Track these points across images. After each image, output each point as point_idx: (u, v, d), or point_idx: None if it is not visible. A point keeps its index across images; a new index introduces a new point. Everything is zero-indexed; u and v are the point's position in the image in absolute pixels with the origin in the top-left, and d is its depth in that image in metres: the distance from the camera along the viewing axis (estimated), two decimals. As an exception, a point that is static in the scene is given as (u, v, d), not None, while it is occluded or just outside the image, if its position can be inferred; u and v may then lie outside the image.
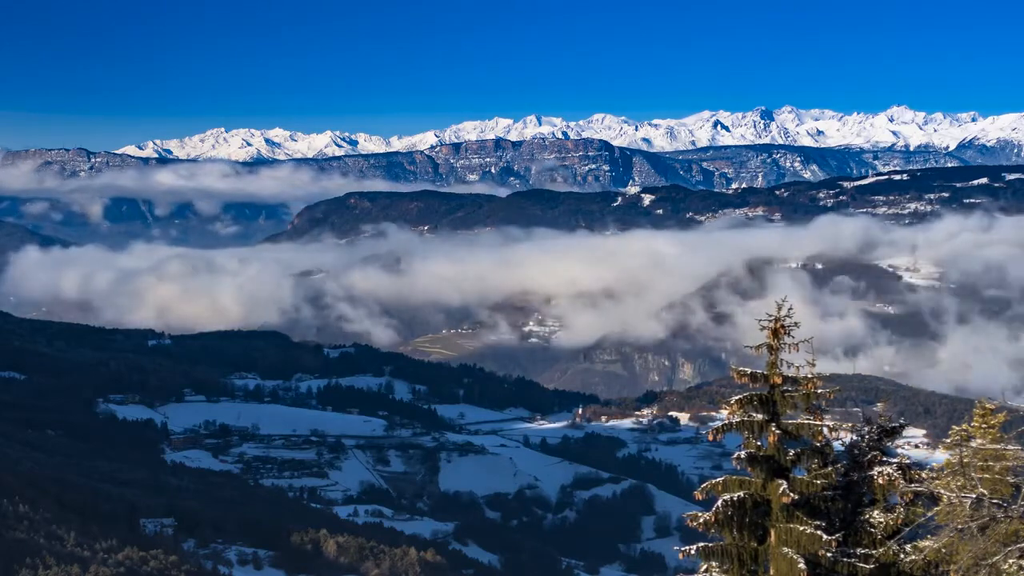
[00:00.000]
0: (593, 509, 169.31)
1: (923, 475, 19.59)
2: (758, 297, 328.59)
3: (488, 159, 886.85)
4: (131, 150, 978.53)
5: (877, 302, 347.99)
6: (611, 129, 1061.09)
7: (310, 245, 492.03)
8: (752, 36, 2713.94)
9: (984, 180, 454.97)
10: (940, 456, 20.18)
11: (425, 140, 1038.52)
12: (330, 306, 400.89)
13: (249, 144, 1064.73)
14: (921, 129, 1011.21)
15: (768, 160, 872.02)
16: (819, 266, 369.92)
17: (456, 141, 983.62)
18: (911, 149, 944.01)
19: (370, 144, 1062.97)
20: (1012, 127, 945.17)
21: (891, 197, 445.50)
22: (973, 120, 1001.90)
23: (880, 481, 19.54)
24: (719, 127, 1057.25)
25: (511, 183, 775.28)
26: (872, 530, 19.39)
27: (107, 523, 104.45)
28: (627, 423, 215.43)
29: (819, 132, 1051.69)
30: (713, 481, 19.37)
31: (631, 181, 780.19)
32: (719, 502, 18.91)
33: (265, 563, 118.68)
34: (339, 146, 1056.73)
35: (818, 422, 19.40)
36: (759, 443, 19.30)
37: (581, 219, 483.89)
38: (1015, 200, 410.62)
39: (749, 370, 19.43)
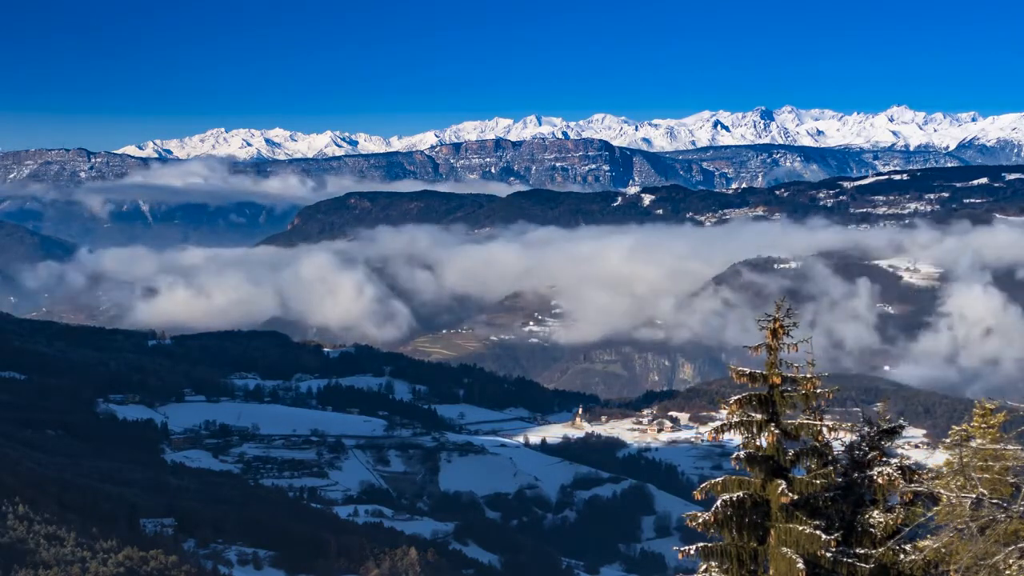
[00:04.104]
0: (593, 509, 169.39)
1: (923, 475, 19.57)
2: (758, 297, 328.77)
3: (488, 159, 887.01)
4: (131, 150, 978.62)
5: (877, 302, 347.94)
6: (611, 129, 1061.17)
7: (310, 245, 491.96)
8: (752, 36, 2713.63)
9: (984, 180, 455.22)
10: (940, 456, 20.14)
11: (425, 140, 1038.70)
12: (331, 306, 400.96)
13: (249, 144, 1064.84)
14: (921, 129, 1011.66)
15: (768, 160, 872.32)
16: (819, 266, 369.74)
17: (456, 141, 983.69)
18: (911, 149, 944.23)
19: (370, 144, 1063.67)
20: (1012, 127, 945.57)
21: (891, 197, 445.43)
22: (973, 120, 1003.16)
23: (880, 481, 19.52)
24: (719, 127, 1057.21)
25: (511, 183, 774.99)
26: (872, 530, 19.37)
27: (107, 523, 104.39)
28: (627, 423, 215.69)
29: (819, 132, 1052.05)
30: (712, 481, 19.35)
31: (631, 181, 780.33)
32: (718, 502, 18.89)
33: (265, 563, 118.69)
34: (339, 146, 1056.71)
35: (817, 422, 19.39)
36: (758, 443, 19.28)
37: (581, 219, 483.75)
38: (1015, 200, 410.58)
39: (748, 370, 19.40)
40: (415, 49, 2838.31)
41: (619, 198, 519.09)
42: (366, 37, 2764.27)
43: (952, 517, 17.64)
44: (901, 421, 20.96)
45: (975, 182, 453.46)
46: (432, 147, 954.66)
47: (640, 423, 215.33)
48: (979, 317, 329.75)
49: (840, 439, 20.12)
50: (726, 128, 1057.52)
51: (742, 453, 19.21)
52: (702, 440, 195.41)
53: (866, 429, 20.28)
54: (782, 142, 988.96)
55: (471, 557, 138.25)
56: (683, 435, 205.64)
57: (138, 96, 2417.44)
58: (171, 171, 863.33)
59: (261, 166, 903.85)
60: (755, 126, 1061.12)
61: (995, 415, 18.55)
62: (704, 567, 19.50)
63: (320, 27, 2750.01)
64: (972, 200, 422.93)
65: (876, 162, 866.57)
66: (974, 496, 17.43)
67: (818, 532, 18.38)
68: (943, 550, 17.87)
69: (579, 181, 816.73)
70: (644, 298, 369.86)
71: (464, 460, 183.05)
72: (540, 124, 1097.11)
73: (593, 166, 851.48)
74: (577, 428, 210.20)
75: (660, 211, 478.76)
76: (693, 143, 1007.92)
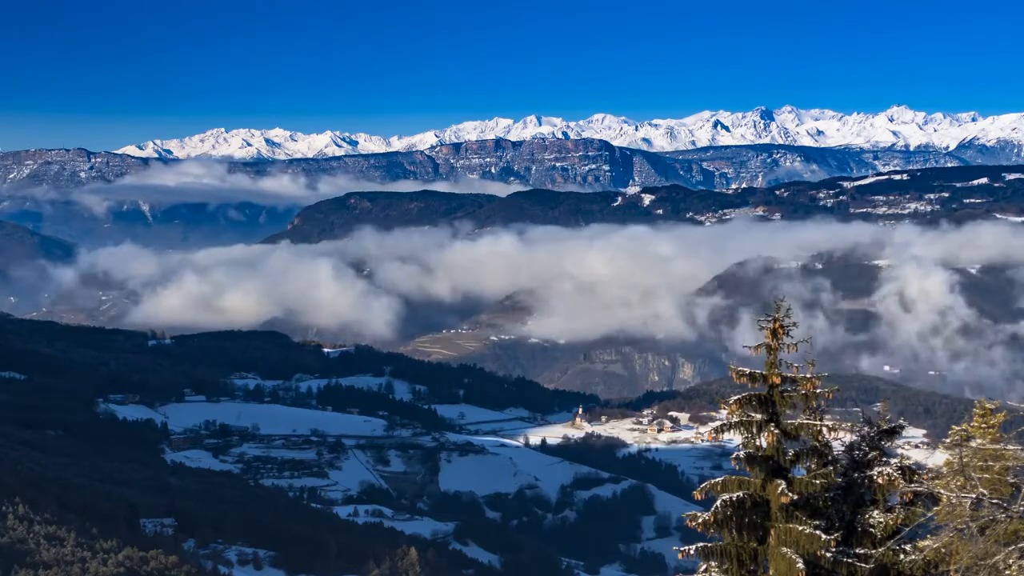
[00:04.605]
0: (593, 509, 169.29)
1: (923, 475, 19.55)
2: (758, 297, 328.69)
3: (488, 159, 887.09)
4: (131, 150, 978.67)
5: (876, 302, 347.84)
6: (611, 129, 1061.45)
7: (310, 245, 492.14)
8: (752, 36, 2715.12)
9: (984, 180, 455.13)
10: (940, 456, 20.13)
11: (425, 140, 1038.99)
12: (331, 306, 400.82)
13: (249, 144, 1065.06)
14: (921, 129, 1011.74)
15: (768, 160, 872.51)
16: (819, 266, 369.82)
17: (456, 141, 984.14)
18: (911, 149, 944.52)
19: (370, 144, 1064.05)
20: (1012, 127, 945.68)
21: (891, 197, 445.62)
22: (973, 120, 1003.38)
23: (880, 481, 19.50)
24: (719, 127, 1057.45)
25: (511, 183, 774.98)
26: (872, 530, 19.36)
27: (107, 523, 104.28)
28: (627, 423, 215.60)
29: (819, 132, 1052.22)
30: (712, 481, 19.32)
31: (631, 181, 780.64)
32: (718, 502, 18.86)
33: (265, 563, 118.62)
34: (339, 146, 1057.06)
35: (817, 422, 19.38)
36: (758, 443, 19.26)
37: (581, 219, 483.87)
38: (1015, 200, 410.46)
39: (748, 370, 19.37)
40: (415, 49, 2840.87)
41: (619, 198, 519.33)
42: (366, 37, 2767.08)
43: (952, 517, 17.63)
44: (901, 421, 20.94)
45: (975, 182, 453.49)
46: (432, 147, 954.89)
47: (640, 423, 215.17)
48: (978, 317, 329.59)
49: (840, 439, 20.10)
50: (726, 128, 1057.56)
51: (742, 453, 19.19)
52: (702, 440, 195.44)
53: (866, 429, 20.26)
54: (782, 142, 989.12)
55: (471, 557, 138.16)
56: (683, 435, 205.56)
57: (138, 96, 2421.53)
58: (171, 171, 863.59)
59: (261, 166, 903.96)
60: (755, 126, 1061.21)
61: (995, 415, 18.55)
62: (704, 567, 19.49)
63: (320, 27, 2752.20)
64: (972, 200, 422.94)
65: (876, 162, 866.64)
66: (974, 496, 17.42)
67: (818, 532, 18.36)
68: (943, 550, 17.87)
69: (579, 181, 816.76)
70: (644, 298, 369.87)
71: (464, 460, 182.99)
72: (540, 124, 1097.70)
73: (593, 166, 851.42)
74: (577, 428, 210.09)
75: (660, 211, 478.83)
76: (693, 143, 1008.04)
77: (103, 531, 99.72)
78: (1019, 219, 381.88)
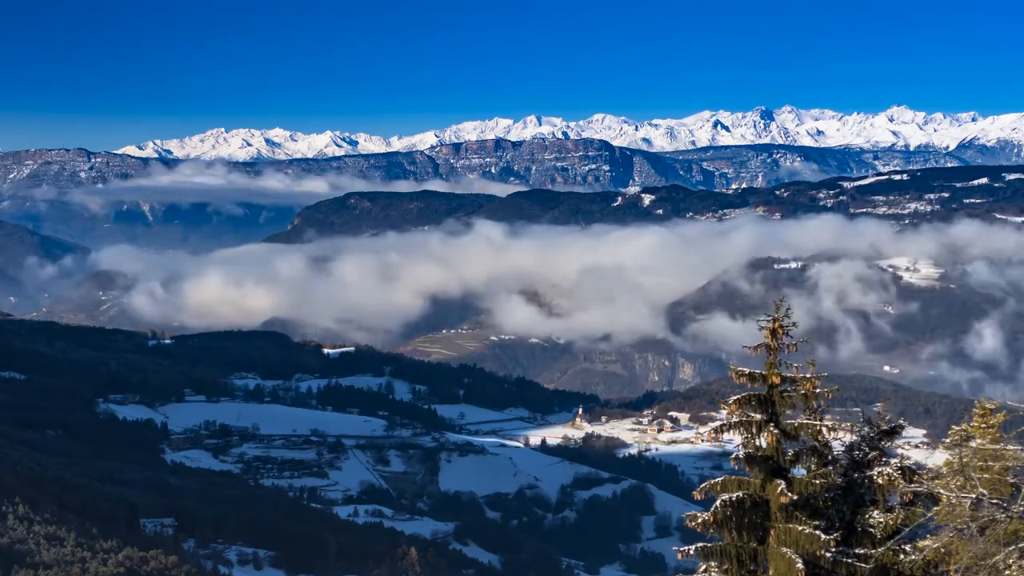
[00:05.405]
0: (593, 509, 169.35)
1: (923, 475, 19.54)
2: (757, 297, 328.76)
3: (488, 159, 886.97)
4: (131, 150, 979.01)
5: (877, 302, 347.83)
6: (611, 129, 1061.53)
7: (310, 245, 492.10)
8: (752, 36, 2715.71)
9: (984, 180, 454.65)
10: (940, 456, 20.11)
11: (425, 140, 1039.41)
12: (331, 306, 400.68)
13: (249, 144, 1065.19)
14: (921, 129, 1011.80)
15: (768, 160, 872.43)
16: (819, 265, 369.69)
17: (456, 141, 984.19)
18: (911, 149, 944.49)
19: (370, 144, 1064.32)
20: (1012, 127, 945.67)
21: (891, 197, 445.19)
22: (973, 120, 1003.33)
23: (880, 481, 19.49)
24: (719, 127, 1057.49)
25: (511, 183, 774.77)
26: (872, 530, 19.35)
27: (107, 523, 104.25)
28: (627, 423, 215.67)
29: (819, 132, 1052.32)
30: (712, 481, 19.31)
31: (631, 181, 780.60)
32: (718, 502, 18.85)
33: (265, 563, 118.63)
34: (339, 146, 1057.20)
35: (817, 422, 19.37)
36: (758, 443, 19.25)
37: (581, 219, 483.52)
38: (1015, 200, 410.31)
39: (747, 370, 19.36)
40: (415, 49, 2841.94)
41: (619, 198, 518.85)
42: (366, 37, 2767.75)
43: (952, 517, 17.62)
44: (901, 421, 20.92)
45: (975, 182, 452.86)
46: (432, 147, 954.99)
47: (640, 423, 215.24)
48: (978, 316, 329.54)
49: (840, 439, 20.09)
50: (726, 128, 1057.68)
51: (741, 453, 19.18)
52: (702, 440, 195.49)
53: (866, 429, 20.25)
54: (782, 142, 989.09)
55: (471, 557, 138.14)
56: (683, 435, 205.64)
57: (138, 96, 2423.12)
58: (171, 171, 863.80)
59: (261, 166, 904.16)
60: (755, 126, 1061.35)
61: (995, 415, 18.54)
62: (704, 567, 19.48)
63: (320, 27, 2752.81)
64: (972, 200, 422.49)
65: (876, 162, 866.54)
66: (974, 496, 17.41)
67: (818, 532, 18.35)
68: (943, 550, 17.86)
69: (579, 181, 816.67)
70: (644, 298, 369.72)
71: (464, 460, 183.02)
72: (540, 124, 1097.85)
73: (593, 166, 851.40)
74: (577, 428, 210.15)
75: (660, 211, 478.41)
76: (693, 143, 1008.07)
77: (103, 531, 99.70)
78: (1019, 219, 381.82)
